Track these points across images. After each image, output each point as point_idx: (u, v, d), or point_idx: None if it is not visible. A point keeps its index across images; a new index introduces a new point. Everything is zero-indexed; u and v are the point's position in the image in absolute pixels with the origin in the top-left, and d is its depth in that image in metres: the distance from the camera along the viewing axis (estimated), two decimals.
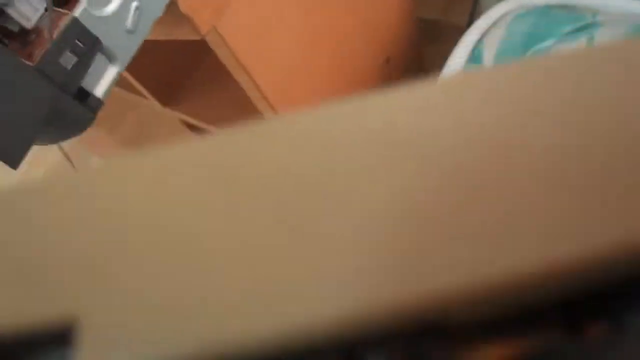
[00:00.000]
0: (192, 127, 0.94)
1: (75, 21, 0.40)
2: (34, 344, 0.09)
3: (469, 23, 0.63)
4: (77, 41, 0.40)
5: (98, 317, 0.08)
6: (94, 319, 0.08)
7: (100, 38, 0.41)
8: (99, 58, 0.42)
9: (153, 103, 0.88)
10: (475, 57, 0.57)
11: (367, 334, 0.08)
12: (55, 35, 0.42)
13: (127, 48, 0.43)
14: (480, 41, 0.57)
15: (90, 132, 0.45)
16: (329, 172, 0.08)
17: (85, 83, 0.42)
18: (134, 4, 0.42)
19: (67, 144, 0.86)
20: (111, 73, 0.43)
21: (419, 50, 0.82)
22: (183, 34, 0.51)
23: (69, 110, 0.41)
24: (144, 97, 0.87)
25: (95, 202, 0.08)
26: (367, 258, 0.08)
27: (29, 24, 0.43)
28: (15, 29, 0.43)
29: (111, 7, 0.41)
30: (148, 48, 0.46)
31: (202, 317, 0.08)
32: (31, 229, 0.08)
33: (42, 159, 1.32)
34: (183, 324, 0.08)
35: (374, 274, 0.08)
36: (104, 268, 0.08)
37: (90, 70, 0.42)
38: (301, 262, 0.08)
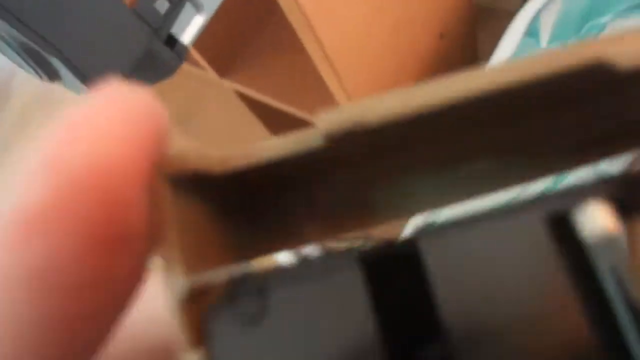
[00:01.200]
0: (246, 100, 0.97)
1: None
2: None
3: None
4: None
5: None
6: None
7: None
8: (188, 7, 0.45)
9: (209, 73, 0.91)
10: (531, 31, 0.59)
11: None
12: None
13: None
14: (537, 16, 0.60)
15: None
16: None
17: (175, 30, 0.45)
18: None
19: None
20: (197, 22, 0.46)
21: (473, 32, 0.84)
22: None
23: (158, 55, 0.45)
24: (200, 67, 0.91)
25: None
26: None
27: None
28: None
29: None
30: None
31: None
32: None
33: None
34: None
35: None
36: None
37: (179, 18, 0.45)
38: None
